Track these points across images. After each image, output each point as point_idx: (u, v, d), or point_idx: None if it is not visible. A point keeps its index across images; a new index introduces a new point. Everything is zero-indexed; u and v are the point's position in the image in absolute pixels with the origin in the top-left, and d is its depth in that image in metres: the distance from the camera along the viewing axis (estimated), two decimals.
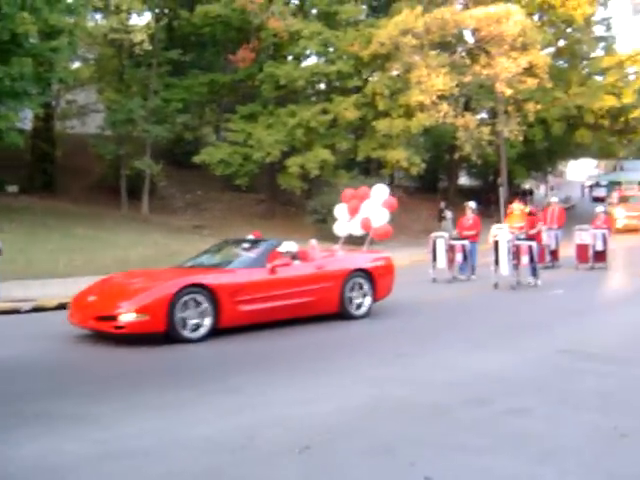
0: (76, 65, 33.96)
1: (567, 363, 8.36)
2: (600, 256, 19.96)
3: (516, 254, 16.07)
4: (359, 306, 11.91)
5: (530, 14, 36.63)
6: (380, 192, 13.93)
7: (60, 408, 6.50)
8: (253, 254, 11.24)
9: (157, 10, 32.88)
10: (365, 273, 12.05)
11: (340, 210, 14.36)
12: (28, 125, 31.19)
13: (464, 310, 13.50)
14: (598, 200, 52.10)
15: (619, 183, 41.81)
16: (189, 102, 32.63)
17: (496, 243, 16.25)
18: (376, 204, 13.65)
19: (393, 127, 29.77)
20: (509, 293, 15.51)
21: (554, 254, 20.94)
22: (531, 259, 16.41)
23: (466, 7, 33.06)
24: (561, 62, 43.09)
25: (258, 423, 5.97)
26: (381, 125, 29.98)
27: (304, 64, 33.19)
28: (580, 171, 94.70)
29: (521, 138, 33.39)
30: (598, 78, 41.72)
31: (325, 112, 30.18)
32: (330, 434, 5.65)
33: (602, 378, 7.57)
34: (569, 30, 41.35)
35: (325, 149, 30.01)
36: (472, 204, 19.10)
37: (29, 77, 21.68)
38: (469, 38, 34.49)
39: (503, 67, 29.94)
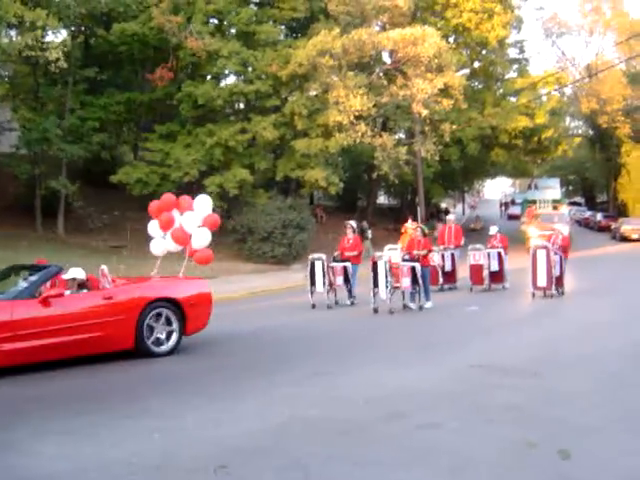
0: None
1: (479, 378, 8.56)
2: (496, 276, 18.88)
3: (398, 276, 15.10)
4: (162, 342, 10.31)
5: (445, 36, 37.43)
6: (202, 206, 11.79)
7: None
8: (24, 283, 9.71)
9: (73, 27, 32.39)
10: (171, 303, 10.44)
11: (152, 227, 12.06)
12: None
13: (357, 336, 12.72)
14: (513, 218, 53.24)
15: (534, 201, 42.79)
16: (106, 121, 32.23)
17: (374, 264, 15.22)
18: (196, 221, 11.56)
19: (311, 147, 29.94)
20: (398, 315, 14.63)
21: (450, 275, 19.57)
22: (414, 281, 15.18)
23: (384, 29, 33.60)
24: (476, 83, 44.19)
25: (173, 444, 5.96)
26: (299, 145, 30.13)
27: (223, 83, 33.21)
28: (497, 190, 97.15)
29: (437, 158, 33.98)
30: (512, 99, 42.88)
31: (244, 131, 30.22)
32: (245, 454, 5.67)
33: (512, 391, 7.75)
34: (484, 52, 42.46)
35: (244, 169, 30.04)
36: (352, 223, 17.62)
37: None
38: (387, 59, 35.05)
39: (419, 88, 30.48)
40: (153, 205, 12.14)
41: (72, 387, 8.59)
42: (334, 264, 16.66)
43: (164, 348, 10.30)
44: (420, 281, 15.27)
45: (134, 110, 33.98)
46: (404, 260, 15.67)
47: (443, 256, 19.31)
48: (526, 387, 7.97)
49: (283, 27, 35.95)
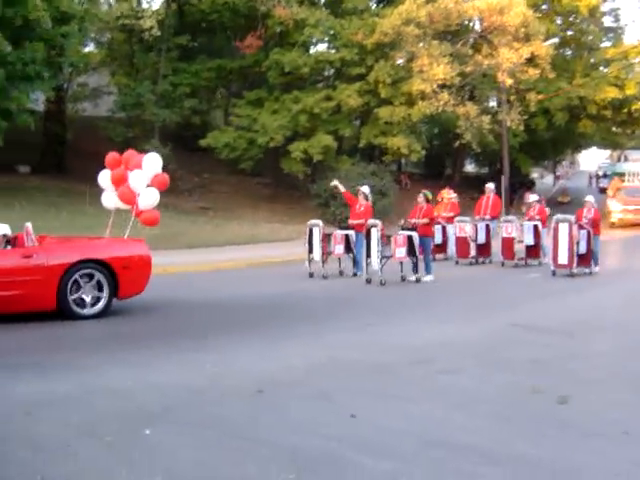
0: (90, 48, 34.95)
1: (515, 335, 9.23)
2: (533, 251, 17.56)
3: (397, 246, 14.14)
4: (88, 304, 9.91)
5: (536, 5, 37.20)
6: (151, 164, 11.13)
7: (53, 360, 7.55)
8: None
9: None
10: (100, 265, 9.99)
11: (104, 178, 11.52)
12: (41, 107, 32.18)
13: (400, 299, 13.28)
14: (603, 191, 52.20)
15: (622, 174, 41.86)
16: (197, 87, 33.52)
17: (368, 232, 14.28)
18: (144, 180, 11.00)
19: (394, 114, 30.59)
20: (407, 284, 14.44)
21: (483, 248, 18.42)
22: (411, 252, 14.27)
23: None
24: (569, 52, 43.57)
25: (220, 373, 6.96)
26: (383, 112, 30.80)
27: (313, 51, 34.02)
28: (592, 161, 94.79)
29: (522, 127, 34.01)
30: (604, 69, 42.11)
31: (329, 99, 31.02)
32: (281, 384, 6.58)
33: (541, 348, 8.38)
34: (578, 20, 41.83)
35: (328, 135, 30.84)
36: (365, 189, 16.04)
37: (41, 61, 22.65)
38: (473, 28, 35.16)
39: (505, 57, 30.60)
40: (112, 157, 11.51)
41: (143, 326, 9.83)
42: (338, 232, 15.81)
43: (91, 311, 9.93)
44: (417, 252, 14.42)
45: (224, 77, 35.21)
46: (403, 229, 14.82)
47: (476, 227, 18.44)
48: (554, 345, 8.58)
49: None
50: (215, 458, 4.72)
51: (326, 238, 15.67)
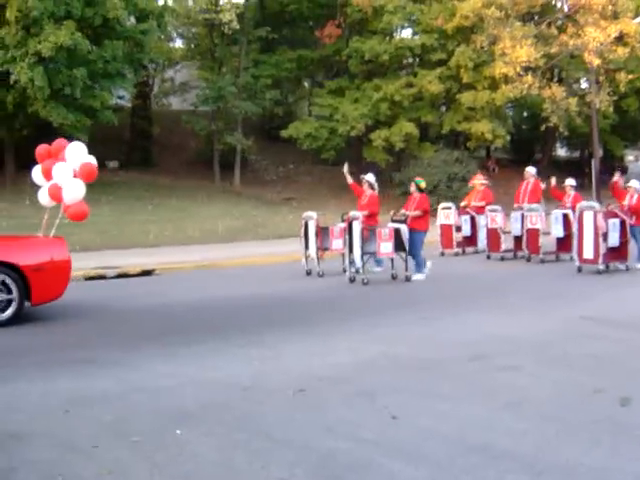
0: (178, 44, 35.62)
1: (584, 328, 8.76)
2: (563, 244, 15.57)
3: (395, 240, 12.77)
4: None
5: None
6: (75, 154, 10.17)
7: (98, 357, 7.63)
8: None
9: None
10: (9, 268, 9.20)
11: (36, 174, 10.58)
12: (129, 103, 32.96)
13: (467, 288, 13.30)
14: None
15: None
16: (278, 78, 33.63)
17: (349, 225, 12.90)
18: (68, 171, 10.02)
19: (477, 99, 29.97)
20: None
21: (520, 241, 16.34)
22: (399, 247, 12.82)
23: None
24: None
25: (267, 370, 6.85)
26: (465, 98, 30.21)
27: (397, 38, 33.65)
28: None
29: (612, 109, 32.73)
30: None
31: (410, 86, 30.63)
32: (325, 381, 6.41)
33: (611, 343, 7.91)
34: None
35: (409, 122, 30.45)
36: (370, 177, 14.20)
37: (121, 59, 23.11)
38: (559, 8, 34.05)
39: (591, 37, 29.48)
40: (42, 148, 10.64)
41: (195, 319, 9.88)
42: (341, 225, 14.05)
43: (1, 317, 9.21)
44: (407, 247, 12.93)
45: (305, 67, 35.20)
46: (392, 221, 13.40)
47: (509, 217, 16.87)
48: (626, 340, 8.08)
49: None
50: (240, 461, 4.59)
51: (321, 232, 14.42)
